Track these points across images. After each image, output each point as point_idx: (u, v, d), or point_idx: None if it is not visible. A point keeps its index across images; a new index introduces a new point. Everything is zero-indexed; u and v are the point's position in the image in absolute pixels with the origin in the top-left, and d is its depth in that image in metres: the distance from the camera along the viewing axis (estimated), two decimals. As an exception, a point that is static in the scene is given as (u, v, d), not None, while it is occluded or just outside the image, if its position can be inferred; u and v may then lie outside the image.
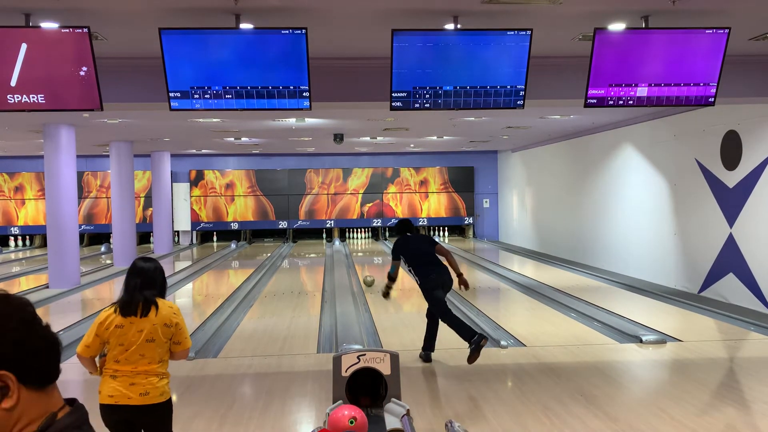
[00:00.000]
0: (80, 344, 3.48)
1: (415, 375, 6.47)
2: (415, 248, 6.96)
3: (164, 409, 3.51)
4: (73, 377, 6.83)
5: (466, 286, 6.97)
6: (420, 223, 22.74)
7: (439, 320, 6.88)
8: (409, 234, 7.18)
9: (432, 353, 6.92)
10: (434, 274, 6.82)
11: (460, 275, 6.88)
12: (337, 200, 22.54)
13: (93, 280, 13.74)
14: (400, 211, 22.55)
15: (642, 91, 6.32)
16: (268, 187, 22.41)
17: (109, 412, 3.44)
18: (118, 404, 3.40)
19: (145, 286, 3.49)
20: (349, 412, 3.52)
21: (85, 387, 6.56)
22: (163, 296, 3.60)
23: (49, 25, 5.75)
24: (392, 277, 7.07)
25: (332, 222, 22.60)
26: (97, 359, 3.55)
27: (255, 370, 6.80)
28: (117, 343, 3.42)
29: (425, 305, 7.03)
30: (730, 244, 9.79)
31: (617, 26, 6.13)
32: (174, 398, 4.07)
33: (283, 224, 22.56)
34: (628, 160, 13.15)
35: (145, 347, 3.42)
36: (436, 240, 7.35)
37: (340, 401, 4.45)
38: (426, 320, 7.01)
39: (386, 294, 7.34)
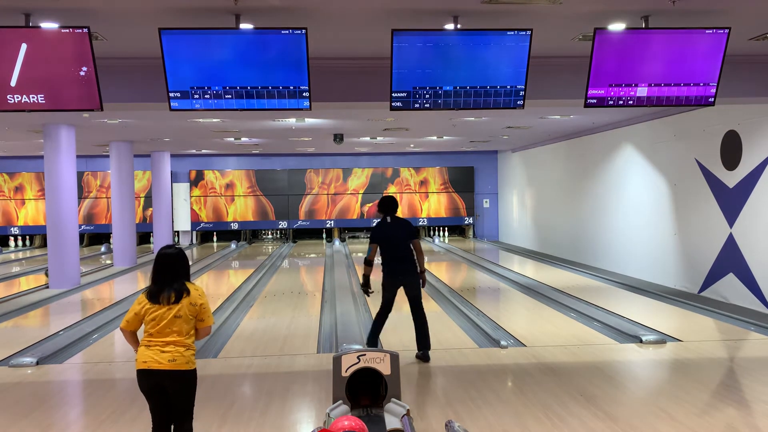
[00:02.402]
0: (123, 320, 4.03)
1: (415, 375, 6.47)
2: (391, 237, 6.86)
3: (190, 377, 3.97)
4: (73, 377, 6.84)
5: (423, 284, 6.93)
6: (420, 223, 22.75)
7: (423, 317, 6.88)
8: (389, 219, 6.96)
9: (429, 351, 6.91)
10: (400, 275, 6.85)
11: (422, 272, 6.87)
12: (337, 200, 22.55)
13: (93, 280, 13.73)
14: (400, 211, 22.48)
15: (642, 91, 6.32)
16: (268, 187, 22.42)
17: (143, 376, 3.92)
18: (151, 369, 3.88)
19: (174, 278, 3.96)
20: (348, 423, 3.52)
21: (85, 386, 6.56)
22: (188, 278, 4.04)
23: (49, 25, 5.75)
24: (368, 261, 6.90)
25: (332, 222, 22.61)
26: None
27: (255, 370, 6.80)
28: (150, 319, 3.92)
29: (424, 305, 7.03)
30: (730, 244, 9.79)
31: (617, 26, 6.13)
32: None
33: (283, 224, 22.57)
34: (628, 160, 13.15)
35: (174, 322, 3.91)
36: (415, 231, 7.00)
37: (340, 402, 4.45)
38: (413, 321, 6.99)
39: (365, 285, 6.99)
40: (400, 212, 23.59)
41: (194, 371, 3.99)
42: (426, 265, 6.67)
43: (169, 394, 3.93)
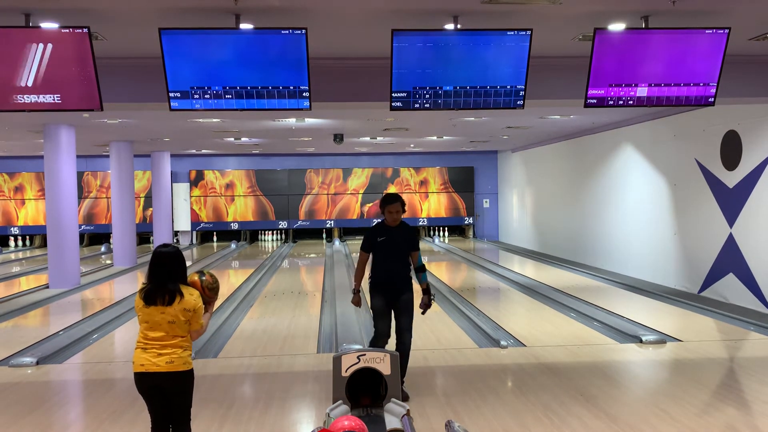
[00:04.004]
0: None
1: (415, 375, 6.47)
2: None
3: (187, 378, 3.95)
4: (73, 377, 6.84)
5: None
6: (420, 223, 22.76)
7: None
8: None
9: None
10: None
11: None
12: (337, 200, 22.55)
13: (93, 280, 13.73)
14: (400, 211, 22.51)
15: (642, 91, 6.32)
16: (268, 187, 22.42)
17: (140, 379, 3.92)
18: (148, 371, 3.87)
19: (169, 277, 3.89)
20: (348, 423, 3.52)
21: (85, 386, 6.56)
22: (184, 280, 3.97)
23: (49, 25, 5.75)
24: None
25: (332, 222, 22.61)
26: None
27: (255, 370, 6.80)
28: (143, 321, 3.91)
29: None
30: (730, 244, 9.79)
31: (617, 26, 6.13)
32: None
33: (283, 224, 22.57)
34: (628, 160, 13.15)
35: (167, 327, 3.88)
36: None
37: (340, 402, 4.45)
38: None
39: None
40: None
41: (191, 371, 3.97)
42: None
43: (167, 395, 3.92)
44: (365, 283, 5.96)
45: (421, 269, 5.91)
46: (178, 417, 3.97)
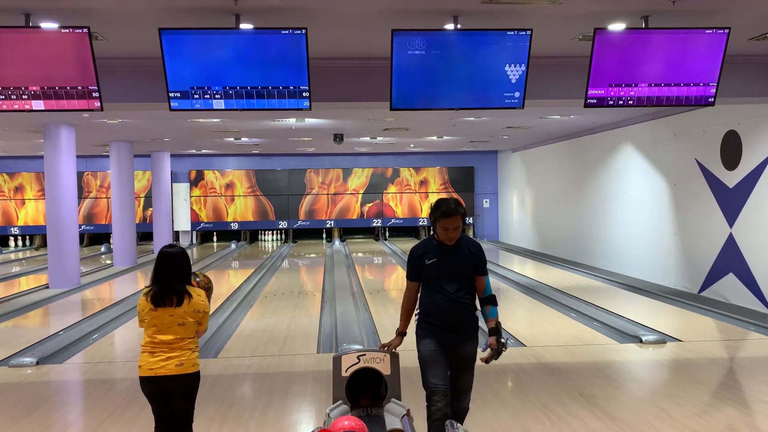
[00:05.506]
0: (138, 321, 4.02)
1: (415, 375, 6.45)
2: None
3: (195, 380, 3.96)
4: (73, 377, 6.84)
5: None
6: (420, 224, 22.76)
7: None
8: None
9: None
10: None
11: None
12: (337, 200, 22.55)
13: (93, 280, 13.73)
14: (400, 212, 22.55)
15: (642, 91, 6.32)
16: (268, 187, 22.42)
17: (148, 383, 3.90)
18: (157, 375, 3.85)
19: (175, 278, 3.88)
20: (348, 423, 3.52)
21: (85, 386, 6.56)
22: (189, 281, 3.97)
23: (49, 25, 5.75)
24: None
25: (332, 222, 22.61)
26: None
27: (255, 370, 6.80)
28: (152, 325, 3.87)
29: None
30: (730, 244, 9.79)
31: (617, 26, 6.13)
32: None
33: (283, 224, 22.57)
34: (628, 160, 13.15)
35: (176, 329, 3.87)
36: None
37: (340, 402, 4.45)
38: None
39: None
40: (401, 212, 23.66)
41: (198, 373, 3.98)
42: None
43: (173, 398, 3.90)
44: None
45: (489, 301, 4.34)
46: (181, 418, 3.97)
